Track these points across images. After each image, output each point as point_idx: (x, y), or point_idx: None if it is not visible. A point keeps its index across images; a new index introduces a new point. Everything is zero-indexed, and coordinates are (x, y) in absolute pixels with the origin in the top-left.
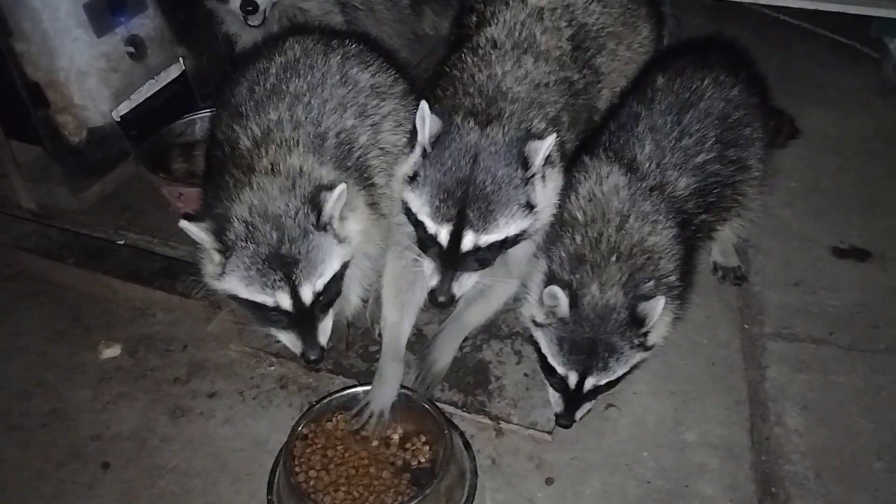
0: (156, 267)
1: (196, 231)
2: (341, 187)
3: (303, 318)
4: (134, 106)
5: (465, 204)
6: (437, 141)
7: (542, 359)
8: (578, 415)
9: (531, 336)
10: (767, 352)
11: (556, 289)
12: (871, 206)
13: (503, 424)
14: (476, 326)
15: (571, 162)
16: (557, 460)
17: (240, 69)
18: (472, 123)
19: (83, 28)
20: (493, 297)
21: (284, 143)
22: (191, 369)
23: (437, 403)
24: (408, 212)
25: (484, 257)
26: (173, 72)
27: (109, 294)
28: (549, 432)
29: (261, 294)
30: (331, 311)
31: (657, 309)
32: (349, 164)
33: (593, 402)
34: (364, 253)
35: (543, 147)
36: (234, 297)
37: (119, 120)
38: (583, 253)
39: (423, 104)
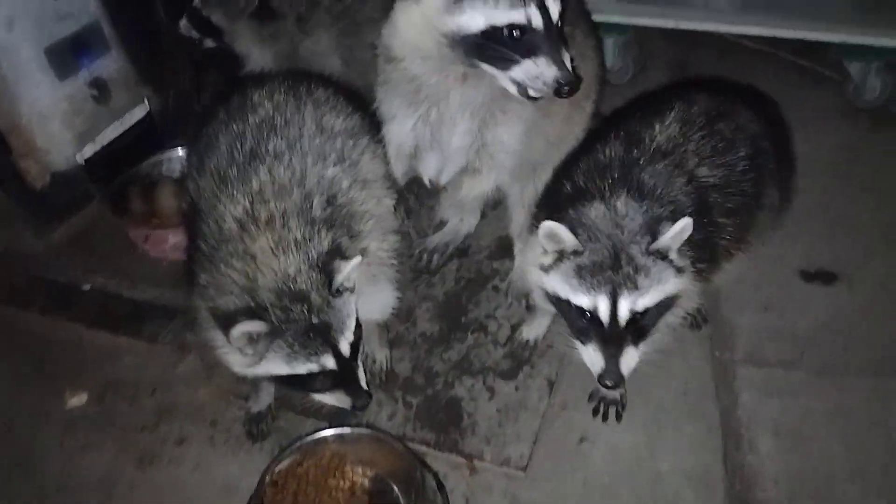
0: (122, 311)
1: (257, 332)
2: (356, 260)
3: (345, 373)
4: (99, 148)
5: None
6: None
7: (566, 309)
8: (624, 366)
9: (548, 297)
10: (739, 378)
11: (549, 224)
12: (835, 226)
13: (476, 462)
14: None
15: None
16: (532, 496)
17: (213, 128)
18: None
19: (44, 72)
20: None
21: (279, 219)
22: (159, 414)
23: (409, 444)
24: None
25: None
26: (138, 113)
27: (75, 340)
28: (523, 468)
29: (305, 364)
30: (360, 358)
31: (675, 226)
32: (336, 219)
33: (638, 352)
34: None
35: None
36: (273, 377)
37: (84, 163)
38: (584, 188)
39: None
